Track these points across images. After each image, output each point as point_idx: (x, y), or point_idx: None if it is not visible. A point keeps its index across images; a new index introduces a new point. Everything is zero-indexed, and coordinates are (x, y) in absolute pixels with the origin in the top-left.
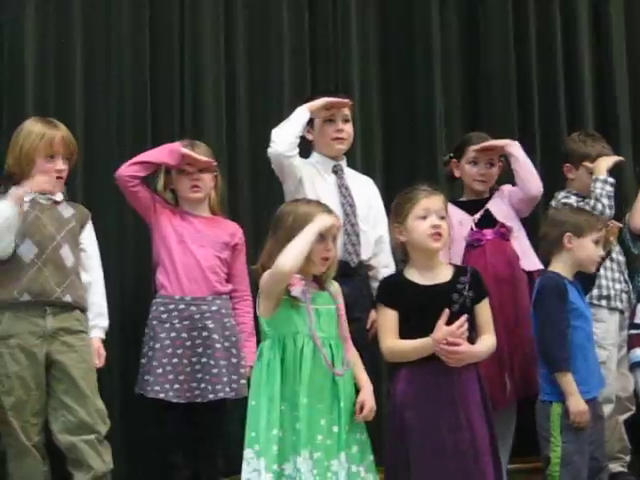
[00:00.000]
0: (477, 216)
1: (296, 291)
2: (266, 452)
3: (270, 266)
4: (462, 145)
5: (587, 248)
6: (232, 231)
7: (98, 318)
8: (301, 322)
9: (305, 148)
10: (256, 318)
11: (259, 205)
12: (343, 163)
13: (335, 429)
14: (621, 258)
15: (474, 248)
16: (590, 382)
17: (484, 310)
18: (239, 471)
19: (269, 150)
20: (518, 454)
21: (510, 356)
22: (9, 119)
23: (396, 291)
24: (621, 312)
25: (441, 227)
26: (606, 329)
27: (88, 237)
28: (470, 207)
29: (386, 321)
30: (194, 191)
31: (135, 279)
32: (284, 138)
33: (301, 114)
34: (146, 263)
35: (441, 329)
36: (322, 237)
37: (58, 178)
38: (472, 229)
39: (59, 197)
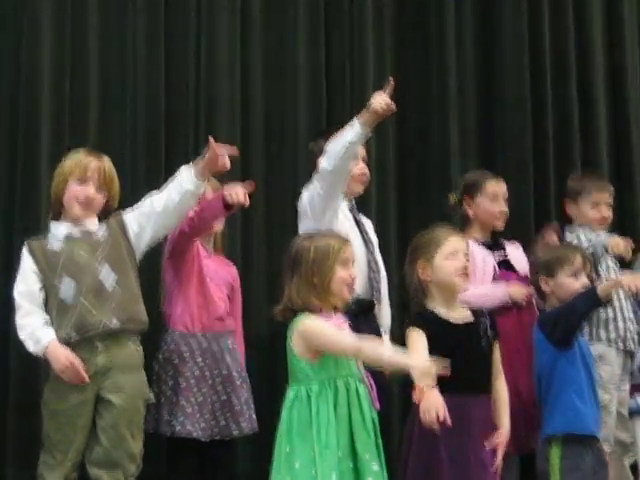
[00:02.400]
0: (498, 256)
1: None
2: None
3: (297, 305)
4: (476, 183)
5: (564, 286)
6: (233, 271)
7: None
8: (349, 364)
9: None
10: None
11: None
12: (354, 203)
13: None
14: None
15: None
16: (586, 417)
17: (497, 351)
18: None
19: (323, 167)
20: None
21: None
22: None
23: (431, 324)
24: (629, 353)
25: (468, 267)
26: (611, 372)
27: (132, 214)
28: (489, 247)
29: (418, 341)
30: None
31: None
32: (338, 156)
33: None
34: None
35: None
36: (346, 264)
37: (87, 205)
38: (495, 268)
39: (93, 226)
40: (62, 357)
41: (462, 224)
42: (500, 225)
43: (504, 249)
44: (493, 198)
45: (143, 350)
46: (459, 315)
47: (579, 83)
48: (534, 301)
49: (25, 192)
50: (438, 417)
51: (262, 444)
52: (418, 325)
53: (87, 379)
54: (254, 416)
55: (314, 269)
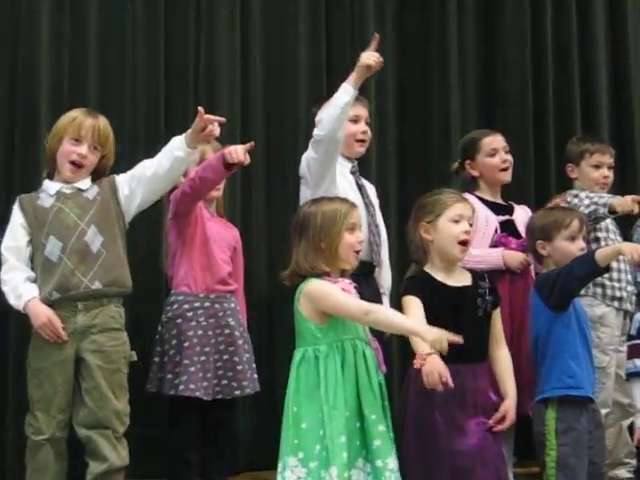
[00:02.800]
0: (502, 218)
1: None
2: (336, 461)
3: (305, 269)
4: (472, 144)
5: (561, 249)
6: (235, 233)
7: None
8: (356, 326)
9: None
10: None
11: (273, 197)
12: (356, 165)
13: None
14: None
15: None
16: (581, 380)
17: (498, 318)
18: (247, 469)
19: (317, 133)
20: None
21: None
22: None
23: (425, 288)
24: (627, 314)
25: (470, 235)
26: (611, 334)
27: (124, 176)
28: (494, 209)
29: (412, 308)
30: (217, 189)
31: (145, 276)
32: (333, 119)
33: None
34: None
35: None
36: (353, 229)
37: (79, 165)
38: (497, 230)
39: (84, 185)
40: (41, 314)
41: (468, 187)
42: (506, 177)
43: (511, 211)
44: (492, 152)
45: (148, 312)
46: (457, 279)
47: (580, 46)
48: (531, 268)
49: (24, 156)
50: (441, 379)
51: (262, 404)
52: (412, 291)
53: (65, 337)
54: (255, 376)
55: (321, 234)
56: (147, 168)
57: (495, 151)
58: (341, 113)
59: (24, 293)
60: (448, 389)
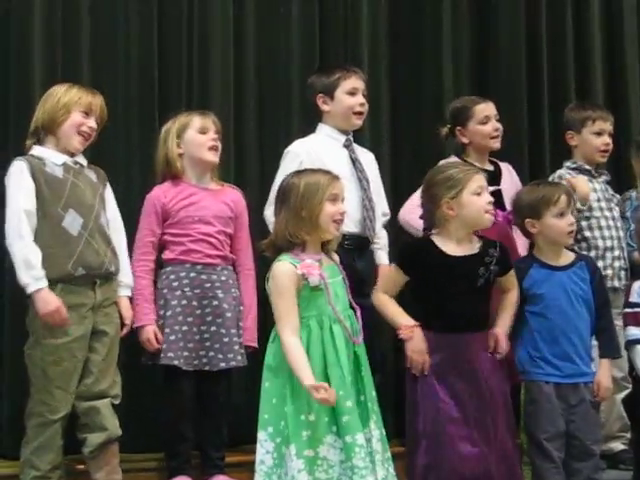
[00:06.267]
0: (492, 189)
1: (314, 281)
2: (295, 438)
3: (283, 238)
4: (464, 111)
5: (551, 226)
6: (235, 201)
7: (125, 276)
8: (323, 303)
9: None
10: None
11: (266, 175)
12: (351, 138)
13: (362, 398)
14: (621, 234)
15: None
16: (554, 367)
17: (510, 276)
18: (243, 442)
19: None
20: None
21: None
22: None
23: (423, 256)
24: (615, 290)
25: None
26: None
27: (111, 197)
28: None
29: (392, 279)
30: (213, 154)
31: None
32: None
33: None
34: None
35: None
36: (335, 200)
37: (87, 137)
38: None
39: (84, 161)
40: (53, 302)
41: (457, 153)
42: (497, 144)
43: (498, 177)
44: (485, 119)
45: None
46: (465, 248)
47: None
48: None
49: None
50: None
51: (257, 377)
52: (402, 258)
53: (69, 322)
54: (242, 350)
55: (303, 202)
56: (113, 229)
57: (487, 119)
58: None
59: (42, 278)
60: (443, 358)
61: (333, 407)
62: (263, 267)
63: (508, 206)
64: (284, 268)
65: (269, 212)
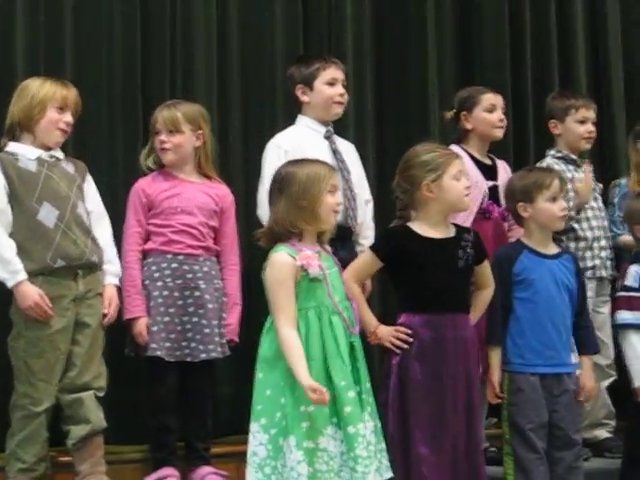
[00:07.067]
0: (490, 183)
1: (314, 272)
2: (295, 430)
3: (283, 227)
4: (472, 97)
5: (543, 210)
6: (221, 195)
7: (110, 264)
8: (322, 294)
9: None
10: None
11: (250, 165)
12: (331, 129)
13: (357, 389)
14: (606, 224)
15: (485, 219)
16: (540, 356)
17: (485, 268)
18: (229, 433)
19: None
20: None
21: None
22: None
23: (403, 243)
24: (601, 280)
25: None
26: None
27: (92, 189)
28: (483, 171)
29: (366, 264)
30: (162, 152)
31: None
32: None
33: None
34: None
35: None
36: (333, 191)
37: (63, 132)
38: (485, 195)
39: (60, 155)
40: (34, 294)
41: (459, 138)
42: (500, 134)
43: (495, 172)
44: (491, 108)
45: None
46: (442, 232)
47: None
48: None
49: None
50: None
51: (240, 368)
52: (379, 245)
53: (52, 314)
54: (224, 341)
55: (303, 193)
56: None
57: (494, 107)
58: None
59: (19, 271)
60: (427, 340)
61: (333, 399)
62: (251, 260)
63: (504, 203)
64: (283, 259)
65: (262, 212)
